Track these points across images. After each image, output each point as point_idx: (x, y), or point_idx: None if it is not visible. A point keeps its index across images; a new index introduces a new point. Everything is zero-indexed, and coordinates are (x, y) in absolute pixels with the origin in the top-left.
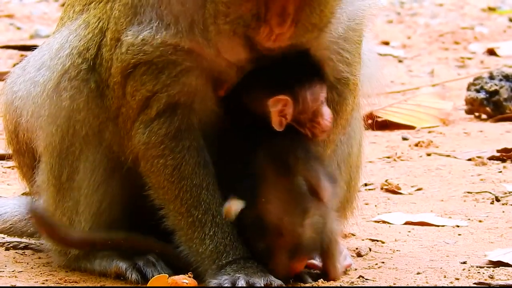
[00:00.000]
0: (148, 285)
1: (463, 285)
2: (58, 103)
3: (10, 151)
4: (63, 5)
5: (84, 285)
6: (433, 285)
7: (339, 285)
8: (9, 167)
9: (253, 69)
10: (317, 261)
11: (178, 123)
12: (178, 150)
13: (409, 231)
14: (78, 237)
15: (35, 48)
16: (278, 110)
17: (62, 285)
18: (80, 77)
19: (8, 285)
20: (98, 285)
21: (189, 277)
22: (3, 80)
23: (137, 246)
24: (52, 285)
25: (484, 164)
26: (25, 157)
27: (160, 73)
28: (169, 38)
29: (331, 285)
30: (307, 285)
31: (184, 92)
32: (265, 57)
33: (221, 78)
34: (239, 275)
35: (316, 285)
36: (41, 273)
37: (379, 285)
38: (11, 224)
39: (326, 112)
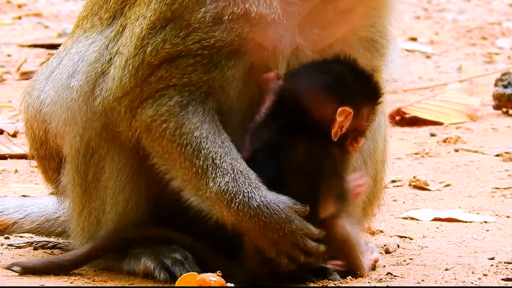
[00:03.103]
0: (176, 283)
1: (491, 281)
2: (93, 107)
3: (34, 157)
4: None
5: (113, 284)
6: (461, 281)
7: (367, 282)
8: (36, 167)
9: (317, 71)
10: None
11: (190, 99)
12: (182, 114)
13: (437, 228)
14: (86, 250)
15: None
16: (341, 120)
17: (91, 285)
18: None
19: (37, 284)
20: (127, 284)
21: (218, 275)
22: (30, 78)
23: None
24: (81, 284)
25: None
26: (51, 161)
27: (213, 67)
28: (248, 10)
29: (358, 282)
30: (336, 282)
31: (223, 85)
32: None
33: (262, 68)
34: None
35: (345, 283)
36: (69, 273)
37: (407, 283)
38: (38, 224)
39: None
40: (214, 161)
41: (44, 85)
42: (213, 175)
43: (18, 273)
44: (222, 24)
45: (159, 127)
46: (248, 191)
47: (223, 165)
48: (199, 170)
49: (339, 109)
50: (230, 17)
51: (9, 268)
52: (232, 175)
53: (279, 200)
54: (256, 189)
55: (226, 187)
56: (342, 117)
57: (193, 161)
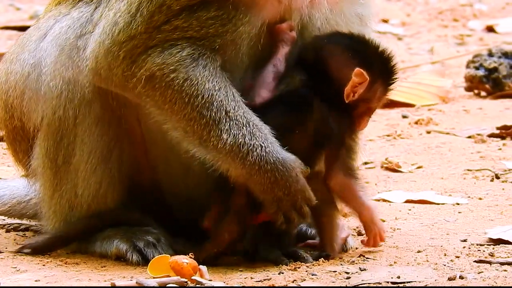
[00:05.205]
0: (149, 265)
1: (463, 263)
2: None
3: (4, 138)
4: None
5: (85, 266)
6: (433, 263)
7: (339, 264)
8: (7, 149)
9: (345, 36)
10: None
11: (201, 53)
12: (193, 66)
13: (409, 209)
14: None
15: None
16: (356, 82)
17: (63, 267)
18: None
19: (9, 267)
20: (99, 266)
21: (190, 257)
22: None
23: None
24: (53, 266)
25: (483, 141)
26: (22, 143)
27: (229, 21)
28: None
29: (331, 264)
30: (308, 264)
31: (236, 39)
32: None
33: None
34: None
35: (317, 264)
36: (42, 255)
37: (379, 265)
38: (10, 207)
39: (369, 118)
40: (228, 113)
41: (35, 47)
42: (227, 127)
43: (29, 255)
44: None
45: (166, 76)
46: (265, 146)
47: (237, 118)
48: (210, 121)
49: (356, 69)
50: None
51: (19, 251)
52: (249, 128)
53: (290, 159)
54: (272, 144)
55: (243, 140)
56: (358, 78)
57: (203, 112)
